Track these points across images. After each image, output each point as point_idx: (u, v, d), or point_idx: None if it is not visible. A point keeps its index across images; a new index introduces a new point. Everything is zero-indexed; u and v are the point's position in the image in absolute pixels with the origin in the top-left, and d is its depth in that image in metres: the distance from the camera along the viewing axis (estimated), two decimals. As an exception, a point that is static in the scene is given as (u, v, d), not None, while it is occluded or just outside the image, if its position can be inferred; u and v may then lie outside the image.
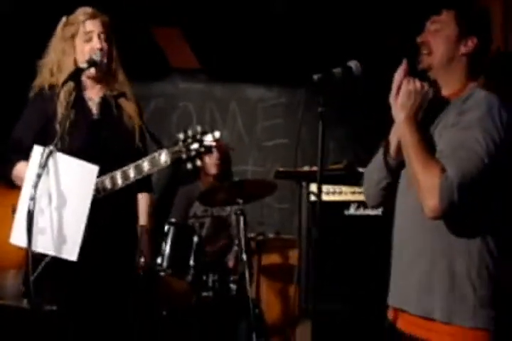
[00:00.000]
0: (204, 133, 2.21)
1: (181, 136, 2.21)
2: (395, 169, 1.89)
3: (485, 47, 1.86)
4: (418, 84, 1.80)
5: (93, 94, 2.53)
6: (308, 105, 1.97)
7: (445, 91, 1.87)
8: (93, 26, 2.45)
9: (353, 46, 4.32)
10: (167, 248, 3.43)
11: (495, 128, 1.68)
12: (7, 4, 4.16)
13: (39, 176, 2.08)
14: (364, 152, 4.55)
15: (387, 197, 1.94)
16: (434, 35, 1.86)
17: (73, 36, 2.46)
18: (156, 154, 2.27)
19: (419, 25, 1.93)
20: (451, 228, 1.73)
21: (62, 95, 2.40)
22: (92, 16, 2.46)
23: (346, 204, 3.50)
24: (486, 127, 1.68)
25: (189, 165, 2.22)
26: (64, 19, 2.50)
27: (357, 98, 4.65)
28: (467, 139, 1.69)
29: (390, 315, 1.90)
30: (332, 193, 3.51)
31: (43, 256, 2.19)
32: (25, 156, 2.32)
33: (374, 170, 1.95)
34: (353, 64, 1.93)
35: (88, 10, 2.48)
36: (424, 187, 1.69)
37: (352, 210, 3.50)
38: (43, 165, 2.11)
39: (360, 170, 3.45)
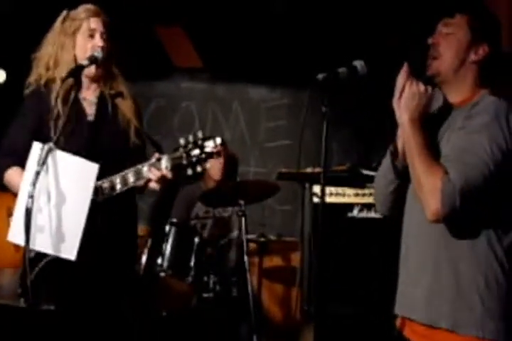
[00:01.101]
0: (205, 139, 2.17)
1: (182, 141, 2.18)
2: (403, 173, 1.86)
3: (495, 54, 1.83)
4: (422, 86, 1.78)
5: (89, 94, 2.49)
6: (311, 106, 1.94)
7: (454, 99, 1.84)
8: (96, 24, 2.43)
9: (357, 46, 4.29)
10: (168, 248, 3.40)
11: (502, 135, 1.65)
12: (7, 4, 4.14)
13: (38, 173, 2.04)
14: (368, 154, 4.53)
15: (397, 202, 1.91)
16: (445, 38, 1.82)
17: (75, 32, 2.42)
18: (156, 159, 2.24)
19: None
20: (457, 236, 1.70)
21: (60, 93, 2.36)
22: (96, 14, 2.44)
23: (349, 206, 3.47)
24: (492, 133, 1.66)
25: (189, 172, 2.18)
26: (65, 13, 2.46)
27: (361, 99, 4.62)
28: (473, 144, 1.66)
29: (398, 323, 1.87)
30: (335, 195, 3.48)
31: (41, 255, 2.16)
32: (18, 159, 2.30)
33: (382, 175, 1.93)
34: (358, 64, 1.90)
35: (92, 7, 2.46)
36: (426, 190, 1.67)
37: (355, 212, 3.47)
38: (42, 163, 2.07)
39: (364, 172, 3.42)
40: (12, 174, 2.37)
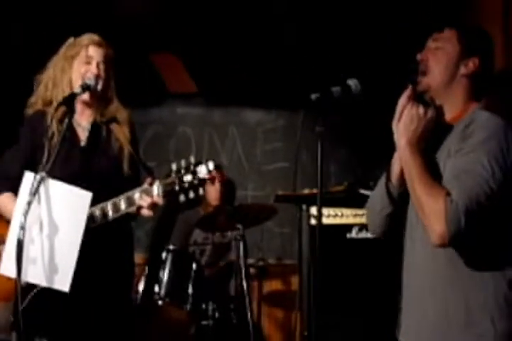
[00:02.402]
0: (198, 164, 2.13)
1: (174, 166, 2.15)
2: (398, 198, 1.84)
3: (487, 68, 1.81)
4: (422, 109, 1.75)
5: (83, 120, 2.50)
6: (306, 127, 1.92)
7: (447, 114, 1.81)
8: (95, 53, 2.45)
9: (351, 67, 4.31)
10: (165, 275, 3.36)
11: (500, 151, 1.63)
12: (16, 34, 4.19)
13: (29, 204, 2.01)
14: (365, 173, 4.51)
15: (391, 226, 1.88)
16: (434, 53, 1.81)
17: (73, 57, 2.46)
18: (147, 185, 2.21)
19: (420, 45, 1.88)
20: (462, 257, 1.66)
21: (54, 119, 2.38)
22: (97, 44, 2.47)
23: (348, 227, 3.43)
24: (490, 150, 1.63)
25: (182, 198, 2.14)
26: (71, 40, 2.52)
27: (357, 118, 4.62)
28: (472, 163, 1.63)
29: None
30: (333, 216, 3.44)
31: (34, 286, 2.12)
32: (11, 185, 2.29)
33: (377, 198, 1.90)
34: (352, 82, 1.88)
35: (95, 37, 2.49)
36: (429, 213, 1.62)
37: (354, 233, 3.43)
38: (34, 192, 2.05)
39: (362, 191, 3.39)
40: (4, 200, 2.38)
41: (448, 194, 1.60)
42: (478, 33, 1.86)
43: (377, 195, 1.90)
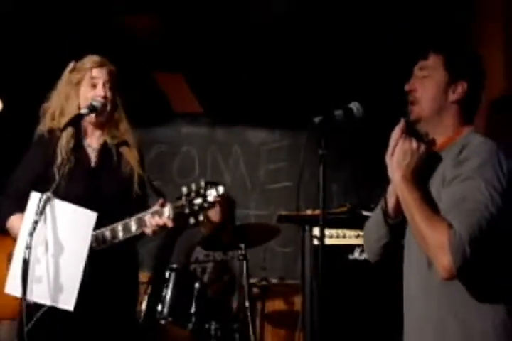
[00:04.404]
0: (207, 187, 2.16)
1: (185, 190, 2.17)
2: (394, 228, 1.84)
3: (476, 91, 1.80)
4: (414, 144, 1.74)
5: (93, 141, 2.52)
6: (310, 148, 1.95)
7: (439, 140, 1.81)
8: (99, 74, 2.46)
9: (355, 87, 4.35)
10: (168, 295, 3.35)
11: (496, 177, 1.62)
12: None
13: (36, 223, 2.04)
14: (368, 194, 4.51)
15: (388, 254, 1.90)
16: (421, 82, 1.81)
17: (79, 83, 2.46)
18: (159, 206, 2.23)
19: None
20: (466, 288, 1.65)
21: (61, 140, 2.40)
22: (100, 65, 2.47)
23: (350, 248, 3.44)
24: (486, 176, 1.62)
25: (192, 220, 2.17)
26: (72, 65, 2.51)
27: (359, 140, 4.65)
28: (469, 190, 1.62)
29: None
30: (336, 237, 3.45)
31: (39, 306, 2.13)
32: (21, 204, 2.30)
33: (373, 228, 1.91)
34: (354, 106, 1.91)
35: (96, 58, 2.50)
36: (433, 246, 1.60)
37: (356, 254, 3.44)
38: (40, 212, 2.08)
39: (364, 212, 3.40)
40: (15, 221, 2.38)
41: (449, 225, 1.58)
42: (465, 54, 1.83)
43: (372, 226, 1.91)
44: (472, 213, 1.59)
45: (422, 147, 1.75)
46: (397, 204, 1.79)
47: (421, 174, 1.74)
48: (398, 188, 1.73)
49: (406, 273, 1.83)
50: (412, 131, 1.79)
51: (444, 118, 1.79)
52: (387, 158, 1.77)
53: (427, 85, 1.80)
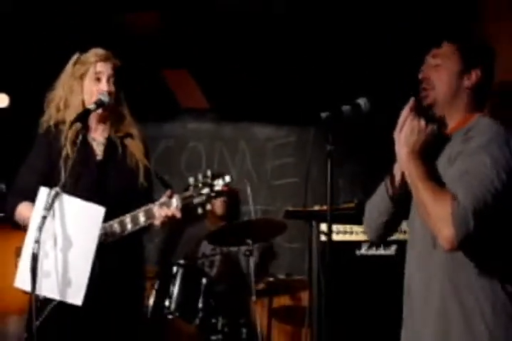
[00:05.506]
0: (214, 177, 2.19)
1: (192, 180, 2.19)
2: (397, 205, 1.86)
3: (489, 78, 1.83)
4: (423, 122, 1.76)
5: (98, 135, 2.53)
6: (317, 143, 1.94)
7: (450, 124, 1.83)
8: (103, 68, 2.46)
9: (362, 83, 4.33)
10: (175, 290, 3.36)
11: (502, 155, 1.63)
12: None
13: (44, 218, 2.05)
14: (374, 188, 4.50)
15: (389, 231, 1.92)
16: (435, 70, 1.83)
17: (82, 76, 2.46)
18: (167, 197, 2.24)
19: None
20: (467, 264, 1.66)
21: (68, 136, 2.40)
22: (104, 59, 2.47)
23: (358, 243, 3.44)
24: (492, 153, 1.64)
25: (200, 210, 2.21)
26: (76, 57, 2.51)
27: (366, 135, 4.64)
28: (475, 164, 1.63)
29: None
30: (343, 233, 3.45)
31: (47, 300, 2.14)
32: (28, 199, 2.31)
33: (375, 203, 1.93)
34: (361, 101, 1.91)
35: (101, 52, 2.50)
36: (437, 218, 1.61)
37: (364, 250, 3.44)
38: (49, 207, 2.09)
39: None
40: (23, 209, 2.39)
41: (454, 197, 1.59)
42: (478, 43, 1.86)
43: (375, 204, 1.93)
44: (477, 186, 1.59)
45: (430, 127, 1.77)
46: (402, 180, 1.81)
47: (428, 154, 1.76)
48: (404, 163, 1.75)
49: (408, 251, 1.84)
50: (425, 114, 1.80)
51: (457, 103, 1.81)
52: (396, 134, 1.79)
53: (442, 73, 1.81)
